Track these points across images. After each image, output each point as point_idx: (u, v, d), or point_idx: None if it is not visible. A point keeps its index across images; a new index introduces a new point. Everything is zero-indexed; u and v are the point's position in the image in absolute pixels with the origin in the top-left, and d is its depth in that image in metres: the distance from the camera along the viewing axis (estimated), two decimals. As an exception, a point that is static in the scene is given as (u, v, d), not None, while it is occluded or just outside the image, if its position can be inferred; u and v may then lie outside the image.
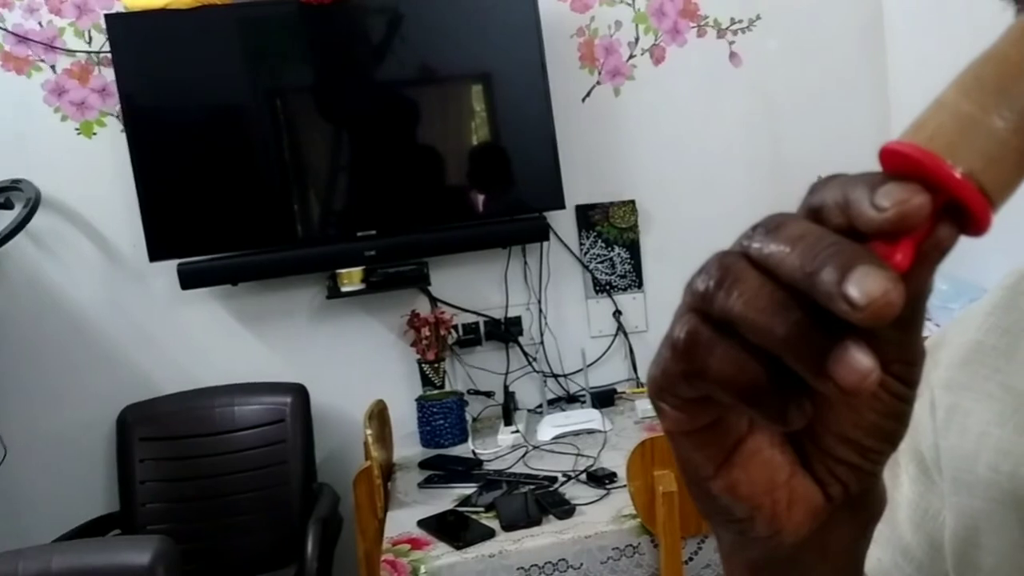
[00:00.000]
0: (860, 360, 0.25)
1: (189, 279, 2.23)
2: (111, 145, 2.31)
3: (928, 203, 0.26)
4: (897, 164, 0.28)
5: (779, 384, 0.26)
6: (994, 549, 0.40)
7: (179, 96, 2.27)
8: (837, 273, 0.24)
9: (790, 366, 0.26)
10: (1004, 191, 0.27)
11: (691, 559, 1.62)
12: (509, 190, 2.44)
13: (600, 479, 1.79)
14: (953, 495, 0.41)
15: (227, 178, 2.30)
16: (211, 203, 2.29)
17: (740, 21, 2.58)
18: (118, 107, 2.25)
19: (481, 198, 2.43)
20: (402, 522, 1.77)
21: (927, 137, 0.27)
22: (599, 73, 2.53)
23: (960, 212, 0.27)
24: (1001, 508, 0.40)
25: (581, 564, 1.57)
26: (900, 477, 0.46)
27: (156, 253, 2.23)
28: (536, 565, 1.56)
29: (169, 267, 2.24)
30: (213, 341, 2.43)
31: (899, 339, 0.29)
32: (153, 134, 2.25)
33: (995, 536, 0.40)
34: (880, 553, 0.47)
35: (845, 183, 0.27)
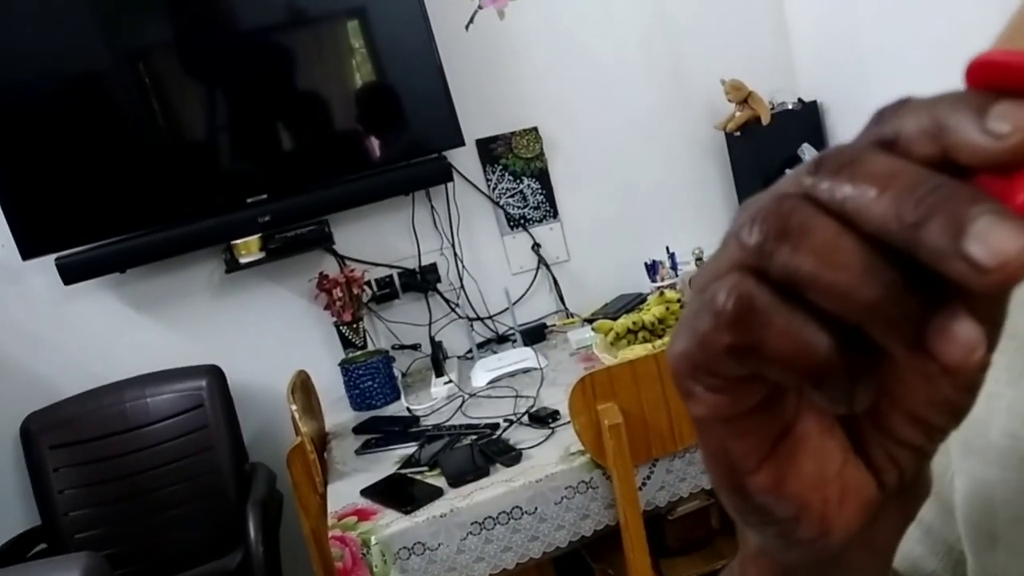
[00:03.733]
0: (968, 331, 0.20)
1: (71, 273, 2.07)
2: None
3: None
4: (992, 80, 0.21)
5: (846, 358, 0.22)
6: (1012, 518, 0.36)
7: (26, 67, 2.03)
8: (951, 226, 0.19)
9: (874, 337, 0.21)
10: None
11: (644, 484, 1.61)
12: (403, 132, 2.32)
13: (543, 419, 1.75)
14: (963, 460, 0.37)
15: (95, 157, 2.10)
16: (82, 187, 2.10)
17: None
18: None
19: (376, 144, 2.30)
20: (344, 493, 1.70)
21: None
22: (480, -4, 2.41)
23: None
24: (1018, 476, 0.36)
25: (536, 508, 1.54)
26: None
27: (28, 250, 2.06)
28: (490, 517, 1.52)
29: (47, 263, 2.06)
30: (111, 334, 2.28)
31: (992, 299, 0.23)
32: (1, 115, 2.02)
33: (1013, 506, 0.36)
34: None
35: (933, 107, 0.22)
